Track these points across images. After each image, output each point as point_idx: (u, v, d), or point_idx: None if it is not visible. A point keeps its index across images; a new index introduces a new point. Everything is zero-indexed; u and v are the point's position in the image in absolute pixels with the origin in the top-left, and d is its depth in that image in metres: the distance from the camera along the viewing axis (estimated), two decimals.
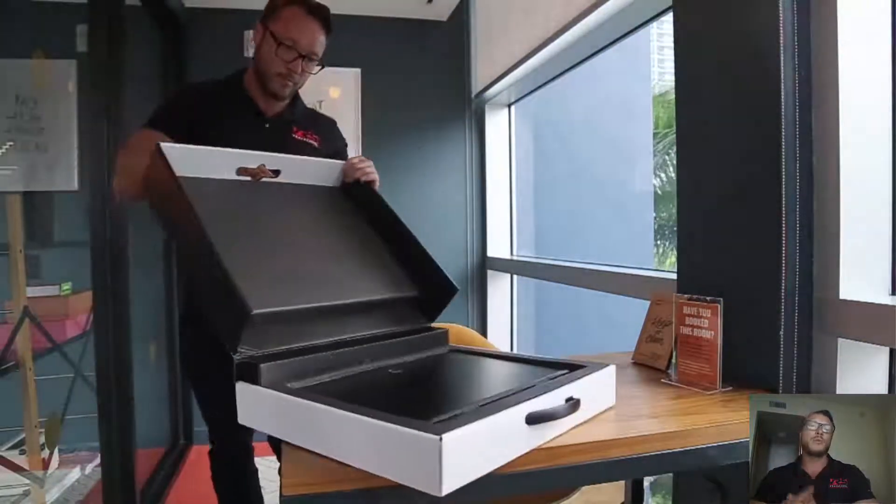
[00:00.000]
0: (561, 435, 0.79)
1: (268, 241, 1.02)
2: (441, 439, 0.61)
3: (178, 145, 1.02)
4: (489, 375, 0.99)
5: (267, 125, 1.44)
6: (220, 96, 1.43)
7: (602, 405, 0.90)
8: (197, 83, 1.55)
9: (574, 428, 0.82)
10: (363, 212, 1.23)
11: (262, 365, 0.81)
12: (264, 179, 1.11)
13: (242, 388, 0.82)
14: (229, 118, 1.38)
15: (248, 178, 1.09)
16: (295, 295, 0.93)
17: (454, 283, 1.09)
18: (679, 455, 0.82)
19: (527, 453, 0.74)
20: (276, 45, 1.36)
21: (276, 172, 1.13)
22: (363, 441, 0.67)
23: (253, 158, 1.10)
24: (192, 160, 1.00)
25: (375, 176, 1.29)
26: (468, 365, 1.03)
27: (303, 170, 1.20)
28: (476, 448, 0.66)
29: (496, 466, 0.69)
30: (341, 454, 0.70)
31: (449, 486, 0.62)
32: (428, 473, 0.62)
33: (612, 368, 0.92)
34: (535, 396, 0.76)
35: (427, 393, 0.92)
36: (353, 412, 0.69)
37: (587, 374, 0.87)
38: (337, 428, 0.70)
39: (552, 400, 0.77)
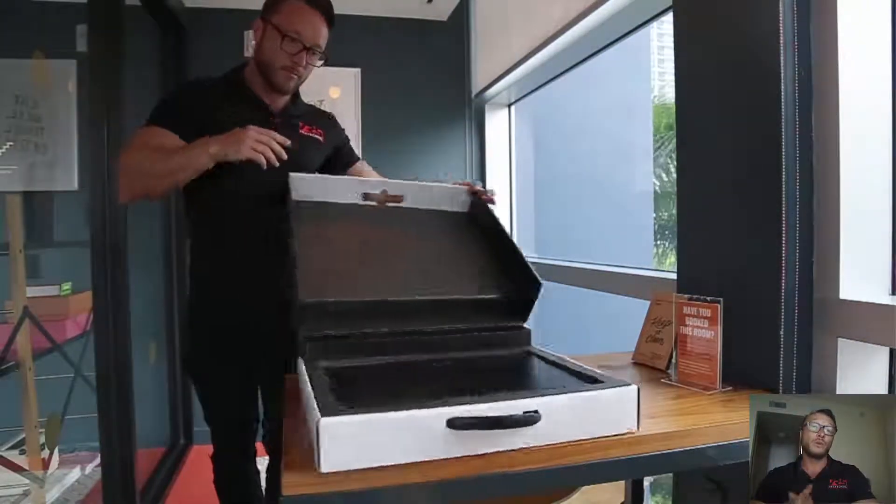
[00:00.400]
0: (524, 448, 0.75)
1: (360, 249, 1.15)
2: (319, 421, 0.68)
3: (305, 175, 1.19)
4: (515, 379, 0.99)
5: (276, 121, 1.42)
6: (224, 92, 1.41)
7: (609, 427, 0.81)
8: (196, 80, 1.52)
9: (557, 444, 0.77)
10: (476, 228, 1.26)
11: (308, 343, 0.96)
12: (389, 204, 1.21)
13: (300, 363, 0.96)
14: (237, 115, 1.36)
15: (374, 203, 1.21)
16: (360, 291, 1.05)
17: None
18: (679, 455, 0.82)
19: (460, 458, 0.73)
20: (281, 39, 1.34)
21: (400, 198, 1.20)
22: (307, 413, 0.77)
23: (374, 185, 1.22)
24: (317, 187, 1.20)
25: (481, 190, 1.31)
26: (515, 366, 1.03)
27: (426, 195, 1.25)
28: (371, 438, 0.70)
29: (404, 461, 0.71)
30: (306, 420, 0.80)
31: (328, 465, 0.69)
32: (316, 450, 0.69)
33: (629, 390, 0.81)
34: (478, 402, 0.74)
35: (428, 386, 0.93)
36: (312, 388, 0.80)
37: (582, 391, 0.81)
38: (306, 398, 0.81)
39: (500, 409, 0.74)
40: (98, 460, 1.85)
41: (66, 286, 2.13)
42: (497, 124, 3.10)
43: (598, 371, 0.89)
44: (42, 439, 1.96)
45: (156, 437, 2.69)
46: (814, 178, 1.00)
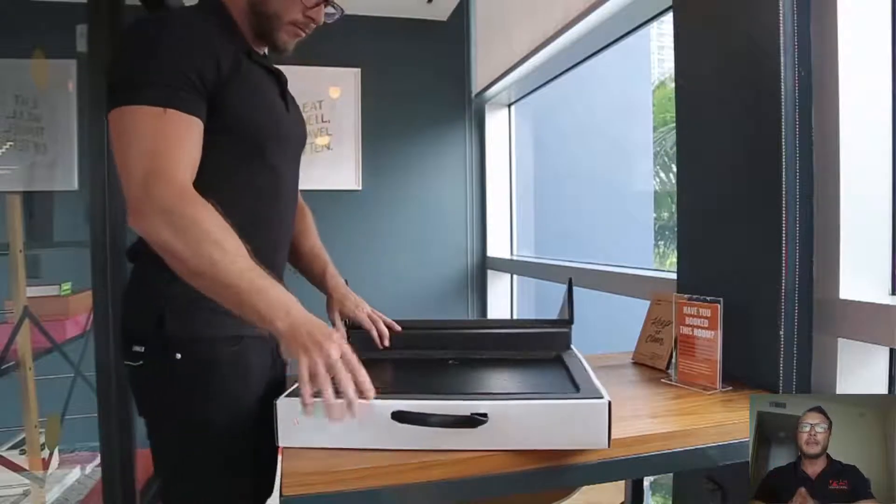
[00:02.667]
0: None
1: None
2: (278, 399, 0.77)
3: None
4: (510, 381, 0.99)
5: (280, 81, 1.09)
6: (228, 48, 0.96)
7: (574, 440, 0.75)
8: (182, 25, 0.94)
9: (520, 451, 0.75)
10: None
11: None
12: None
13: None
14: (255, 85, 1.00)
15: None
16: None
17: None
18: (679, 455, 0.82)
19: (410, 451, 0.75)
20: None
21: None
22: None
23: None
24: None
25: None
26: (525, 369, 1.02)
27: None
28: (323, 421, 0.74)
29: (350, 446, 0.76)
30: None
31: (284, 441, 0.77)
32: (275, 427, 0.78)
33: (598, 404, 0.74)
34: (426, 399, 0.76)
35: (420, 381, 0.97)
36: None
37: (547, 399, 0.77)
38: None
39: (444, 408, 0.75)
40: (98, 460, 1.85)
41: (66, 286, 2.13)
42: (497, 124, 3.10)
43: (598, 384, 0.83)
44: (42, 439, 1.96)
45: None
46: (814, 178, 1.00)
